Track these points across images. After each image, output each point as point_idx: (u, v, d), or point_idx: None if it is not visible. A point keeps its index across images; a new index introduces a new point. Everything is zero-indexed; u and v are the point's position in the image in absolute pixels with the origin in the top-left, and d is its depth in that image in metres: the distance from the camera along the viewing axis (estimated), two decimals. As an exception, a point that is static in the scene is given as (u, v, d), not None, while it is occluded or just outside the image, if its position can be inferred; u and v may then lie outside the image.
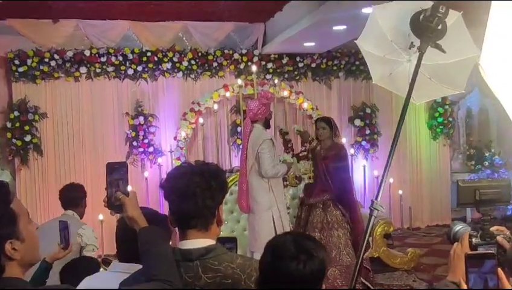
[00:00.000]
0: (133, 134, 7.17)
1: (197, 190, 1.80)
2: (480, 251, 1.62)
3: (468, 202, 1.70)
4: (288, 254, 1.66)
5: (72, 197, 3.98)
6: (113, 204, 1.89)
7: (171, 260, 1.78)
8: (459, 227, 1.75)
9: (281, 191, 4.90)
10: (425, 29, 2.55)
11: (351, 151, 7.65)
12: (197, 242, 1.84)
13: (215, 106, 7.24)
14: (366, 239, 2.33)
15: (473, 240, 1.65)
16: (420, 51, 2.52)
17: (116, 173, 1.92)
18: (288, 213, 5.17)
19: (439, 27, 2.53)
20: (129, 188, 1.94)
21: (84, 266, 3.12)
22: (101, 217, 6.40)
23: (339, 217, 5.09)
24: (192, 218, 1.84)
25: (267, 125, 4.79)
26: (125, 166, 1.95)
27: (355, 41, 2.81)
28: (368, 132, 8.04)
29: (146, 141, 7.21)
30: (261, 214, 4.71)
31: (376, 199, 2.42)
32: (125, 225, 1.93)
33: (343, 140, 7.27)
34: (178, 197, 1.84)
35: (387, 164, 2.43)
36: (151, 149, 7.24)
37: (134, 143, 7.20)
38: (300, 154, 5.19)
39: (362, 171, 7.76)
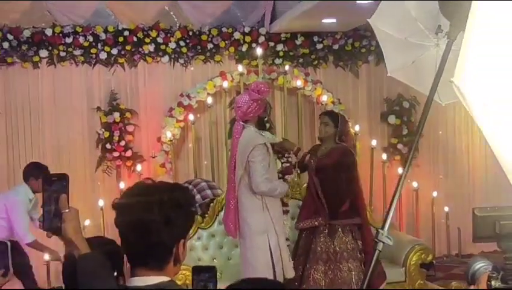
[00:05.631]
0: (106, 134, 7.20)
1: (152, 225, 1.86)
2: None
3: (487, 236, 1.70)
4: None
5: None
6: (51, 224, 1.95)
7: None
8: (479, 265, 1.76)
9: (279, 210, 4.89)
10: (458, 9, 2.50)
11: (383, 157, 7.59)
12: (148, 279, 1.91)
13: (210, 99, 7.23)
14: (368, 277, 2.31)
15: (493, 282, 1.64)
16: (449, 37, 2.48)
17: (55, 186, 1.99)
18: (288, 245, 5.17)
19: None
20: None
21: None
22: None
23: (350, 245, 5.07)
24: (142, 255, 1.91)
25: (260, 126, 4.79)
26: (66, 179, 2.02)
27: (368, 20, 2.78)
28: (405, 131, 8.00)
29: (122, 143, 7.23)
30: (253, 240, 4.70)
31: (382, 228, 2.39)
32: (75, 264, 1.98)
33: (373, 142, 7.32)
34: (128, 229, 1.91)
35: (400, 182, 2.40)
36: (128, 153, 7.27)
37: (108, 146, 7.22)
38: (283, 166, 5.20)
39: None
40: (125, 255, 2.06)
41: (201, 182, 6.65)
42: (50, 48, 7.11)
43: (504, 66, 1.33)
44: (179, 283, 5.10)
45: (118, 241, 2.28)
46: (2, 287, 3.04)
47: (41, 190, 2.01)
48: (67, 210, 1.95)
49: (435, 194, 7.82)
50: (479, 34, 1.35)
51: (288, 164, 5.25)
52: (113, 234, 2.03)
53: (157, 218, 1.86)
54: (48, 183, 1.99)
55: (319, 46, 7.77)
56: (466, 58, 1.35)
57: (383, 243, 2.41)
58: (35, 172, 5.86)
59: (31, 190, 5.91)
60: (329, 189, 5.12)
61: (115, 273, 2.26)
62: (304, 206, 5.28)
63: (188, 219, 1.97)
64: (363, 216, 5.31)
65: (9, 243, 3.15)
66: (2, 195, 6.12)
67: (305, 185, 6.07)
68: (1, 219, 5.83)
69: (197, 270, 2.13)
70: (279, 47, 7.65)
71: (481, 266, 1.84)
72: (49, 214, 1.97)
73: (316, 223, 5.13)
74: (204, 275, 2.11)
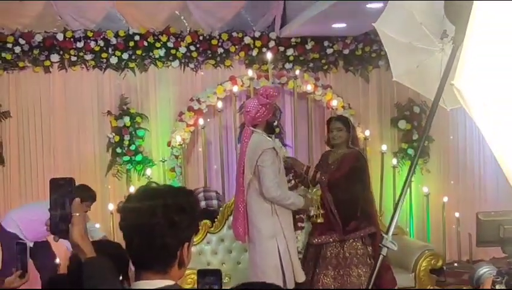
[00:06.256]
0: (117, 138, 7.23)
1: (156, 228, 1.87)
2: None
3: (491, 240, 1.69)
4: None
5: None
6: (58, 227, 1.99)
7: None
8: (484, 270, 1.76)
9: (289, 215, 4.88)
10: (463, 14, 2.49)
11: (393, 161, 7.57)
12: (152, 283, 1.91)
13: (220, 104, 7.22)
14: (373, 281, 2.30)
15: (497, 286, 1.64)
16: (455, 42, 2.47)
17: (62, 190, 2.02)
18: (299, 258, 5.15)
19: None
20: None
21: None
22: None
23: (360, 250, 5.05)
24: (146, 258, 1.92)
25: (269, 131, 4.79)
26: (72, 182, 2.06)
27: (373, 24, 2.78)
28: (415, 137, 7.95)
29: (133, 147, 7.26)
30: (262, 244, 4.69)
31: (387, 233, 2.38)
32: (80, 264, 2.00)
33: (383, 147, 7.30)
34: (132, 231, 1.92)
35: (404, 188, 2.40)
36: (139, 157, 7.29)
37: (118, 150, 7.25)
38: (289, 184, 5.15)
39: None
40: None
41: (201, 191, 6.66)
42: (61, 53, 7.16)
43: (504, 66, 1.31)
44: (187, 287, 5.14)
45: (124, 245, 2.30)
46: (20, 289, 3.05)
47: (49, 194, 2.03)
48: (77, 214, 1.98)
49: (445, 199, 7.77)
50: (479, 34, 1.34)
51: (294, 181, 5.21)
52: (122, 237, 2.04)
53: (161, 221, 1.86)
54: (55, 187, 2.02)
55: (329, 50, 7.76)
56: (466, 59, 1.34)
57: (388, 248, 2.40)
58: (80, 195, 5.75)
59: None
60: (342, 203, 5.07)
61: (120, 277, 2.27)
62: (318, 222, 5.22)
63: (193, 222, 1.97)
64: (375, 223, 5.29)
65: (30, 244, 3.15)
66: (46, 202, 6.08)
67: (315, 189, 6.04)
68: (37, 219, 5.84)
69: (202, 274, 2.13)
70: (289, 52, 7.65)
71: (486, 271, 1.85)
72: (55, 218, 2.00)
73: (331, 239, 5.11)
74: (210, 278, 2.12)
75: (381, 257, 2.39)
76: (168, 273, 1.91)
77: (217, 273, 2.17)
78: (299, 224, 5.35)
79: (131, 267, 2.51)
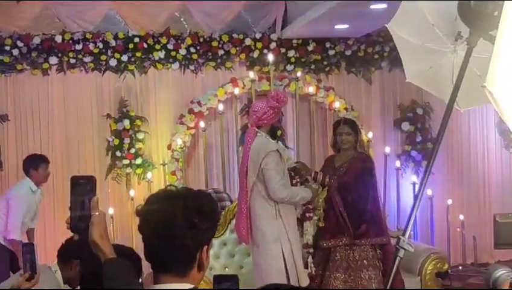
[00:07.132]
0: (116, 141, 7.20)
1: (176, 229, 1.87)
2: None
3: (509, 242, 1.67)
4: None
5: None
6: (78, 225, 2.00)
7: None
8: (500, 272, 1.75)
9: (293, 217, 4.85)
10: (477, 16, 2.47)
11: (397, 163, 7.55)
12: (171, 286, 1.91)
13: (221, 106, 7.21)
14: (390, 282, 2.28)
15: (515, 289, 1.63)
16: (469, 44, 2.44)
17: (81, 189, 2.03)
18: (310, 252, 5.13)
19: (496, 13, 2.44)
20: None
21: None
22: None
23: (370, 253, 5.02)
24: (166, 261, 1.91)
25: (272, 134, 4.78)
26: (93, 181, 2.06)
27: (386, 25, 2.77)
28: (419, 138, 7.96)
29: (133, 150, 7.23)
30: (267, 248, 4.66)
31: (404, 234, 2.36)
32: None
33: (387, 149, 7.28)
34: (151, 233, 1.92)
35: (421, 191, 2.37)
36: (139, 161, 7.25)
37: (118, 153, 7.22)
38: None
39: (411, 190, 7.66)
40: (144, 264, 2.05)
41: (212, 193, 6.61)
42: (60, 55, 7.13)
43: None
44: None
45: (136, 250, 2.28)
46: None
47: (70, 192, 2.04)
48: (97, 213, 1.98)
49: (449, 202, 7.77)
50: (509, 36, 1.30)
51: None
52: (122, 242, 2.02)
53: (181, 223, 1.86)
54: (76, 185, 2.03)
55: (331, 52, 7.75)
56: (498, 62, 1.30)
57: (405, 249, 2.38)
58: (33, 164, 6.18)
59: (33, 183, 6.16)
60: (352, 205, 5.02)
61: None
62: (327, 225, 5.15)
63: (212, 224, 1.97)
64: (385, 231, 5.26)
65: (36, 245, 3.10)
66: (7, 191, 6.53)
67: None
68: (3, 214, 6.03)
69: (218, 279, 2.13)
70: (291, 53, 7.64)
71: (503, 273, 1.85)
72: (75, 216, 2.00)
73: (340, 243, 5.07)
74: (226, 283, 2.12)
75: (398, 259, 2.38)
76: (187, 277, 1.91)
77: (233, 279, 2.16)
78: (307, 214, 5.27)
79: (144, 272, 2.51)
